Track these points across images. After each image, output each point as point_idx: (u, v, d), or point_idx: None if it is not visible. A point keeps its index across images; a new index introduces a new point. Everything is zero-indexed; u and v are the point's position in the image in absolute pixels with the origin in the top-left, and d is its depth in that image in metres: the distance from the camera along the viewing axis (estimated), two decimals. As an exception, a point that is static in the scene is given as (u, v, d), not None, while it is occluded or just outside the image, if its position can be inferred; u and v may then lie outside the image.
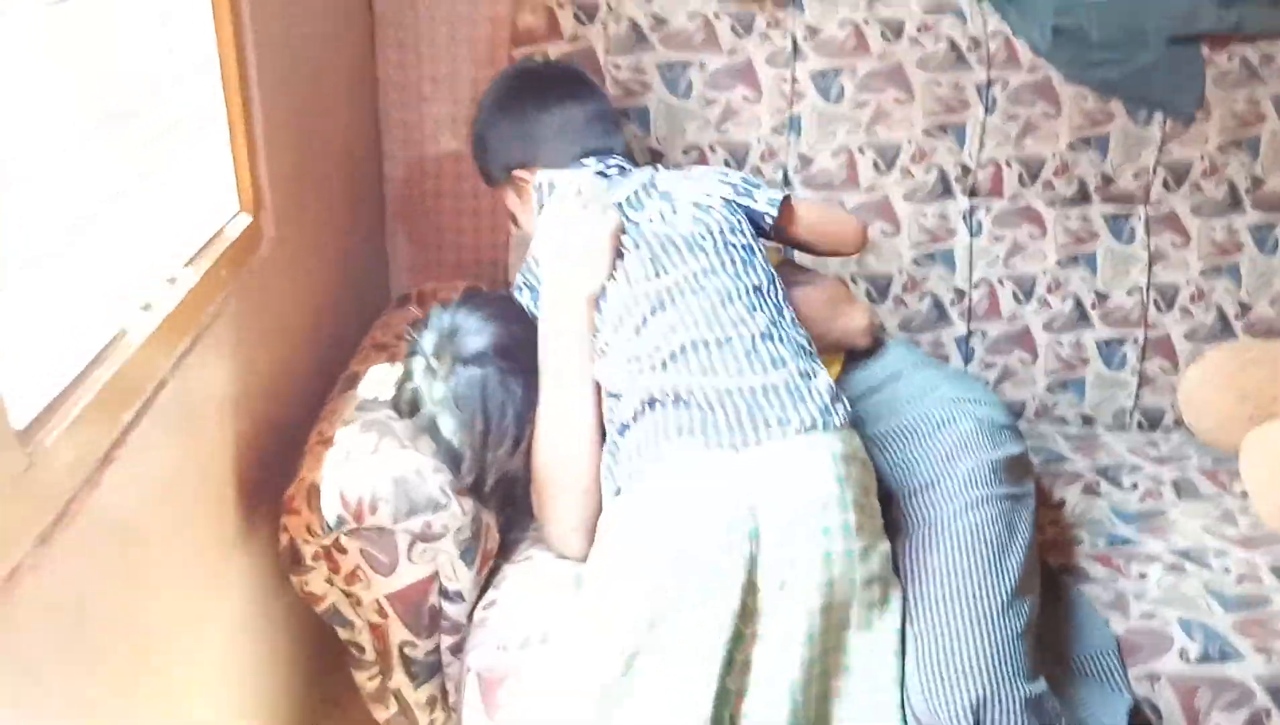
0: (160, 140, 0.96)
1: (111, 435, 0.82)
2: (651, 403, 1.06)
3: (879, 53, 1.61)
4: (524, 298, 1.24)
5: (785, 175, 1.65)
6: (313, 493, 1.08)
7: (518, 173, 1.34)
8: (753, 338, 1.08)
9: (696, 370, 1.05)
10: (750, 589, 0.95)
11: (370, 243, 1.67)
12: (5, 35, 0.70)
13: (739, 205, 1.23)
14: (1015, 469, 1.15)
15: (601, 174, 1.27)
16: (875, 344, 1.33)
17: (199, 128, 1.05)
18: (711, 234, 1.17)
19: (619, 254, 1.16)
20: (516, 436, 1.15)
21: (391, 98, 1.74)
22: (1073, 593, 1.26)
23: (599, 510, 1.10)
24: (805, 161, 1.64)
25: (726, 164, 1.63)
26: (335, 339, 1.45)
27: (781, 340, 1.09)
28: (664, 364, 1.07)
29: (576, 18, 1.56)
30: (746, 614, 0.95)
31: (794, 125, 1.63)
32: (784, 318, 1.13)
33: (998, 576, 1.04)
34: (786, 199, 1.27)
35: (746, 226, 1.21)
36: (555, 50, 1.56)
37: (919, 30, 1.62)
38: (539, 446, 1.15)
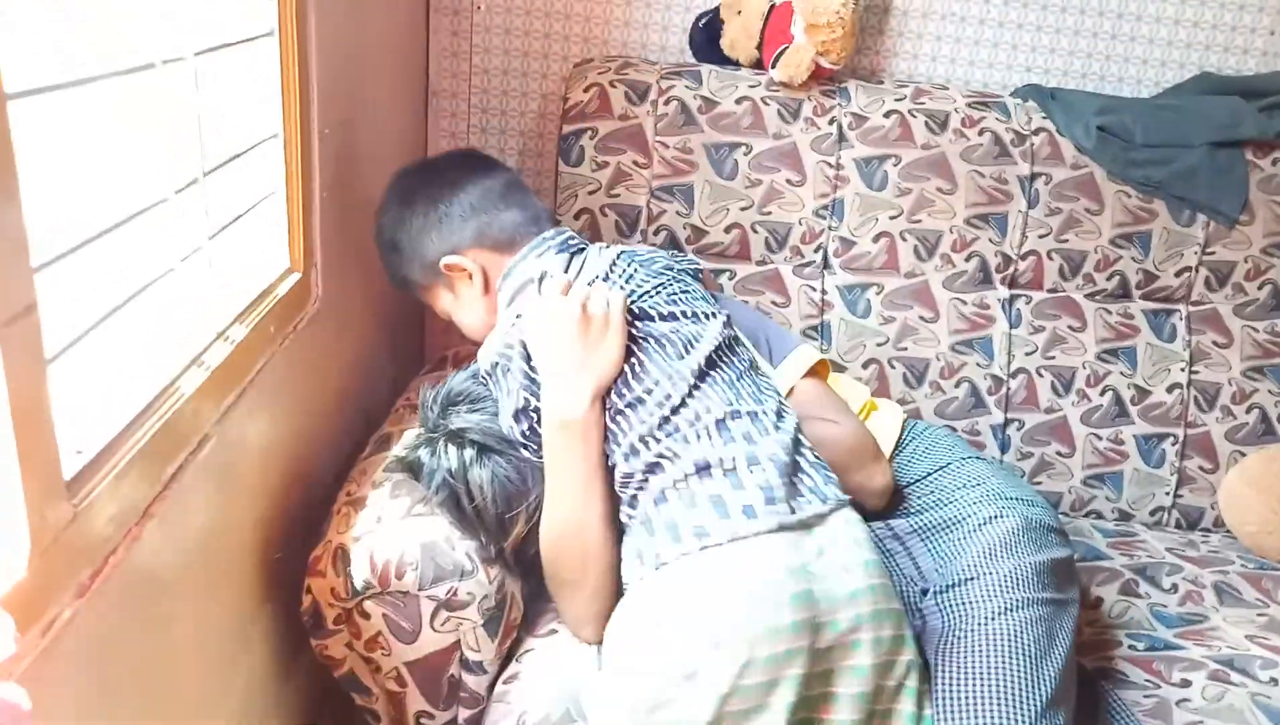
0: (228, 200, 0.98)
1: (154, 489, 0.82)
2: (694, 472, 1.02)
3: (923, 142, 1.63)
4: (506, 382, 1.12)
5: (826, 257, 1.66)
6: (339, 555, 1.07)
7: (448, 261, 1.22)
8: (776, 412, 1.07)
9: (738, 439, 1.03)
10: (807, 682, 0.93)
11: (408, 303, 1.69)
12: (85, 104, 0.72)
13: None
14: (1060, 573, 1.12)
15: (567, 247, 1.20)
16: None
17: (260, 189, 1.08)
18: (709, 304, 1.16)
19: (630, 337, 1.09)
20: (499, 515, 1.09)
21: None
22: (1111, 698, 1.21)
23: (614, 600, 1.07)
24: (847, 244, 1.65)
25: (767, 245, 1.65)
26: (371, 398, 1.47)
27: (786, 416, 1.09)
28: (701, 435, 1.03)
29: (628, 97, 1.60)
30: (800, 704, 0.93)
31: (836, 209, 1.64)
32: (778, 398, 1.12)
33: (1034, 685, 1.01)
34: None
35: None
36: (605, 127, 1.59)
37: (963, 124, 1.64)
38: (548, 541, 1.09)
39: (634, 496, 1.05)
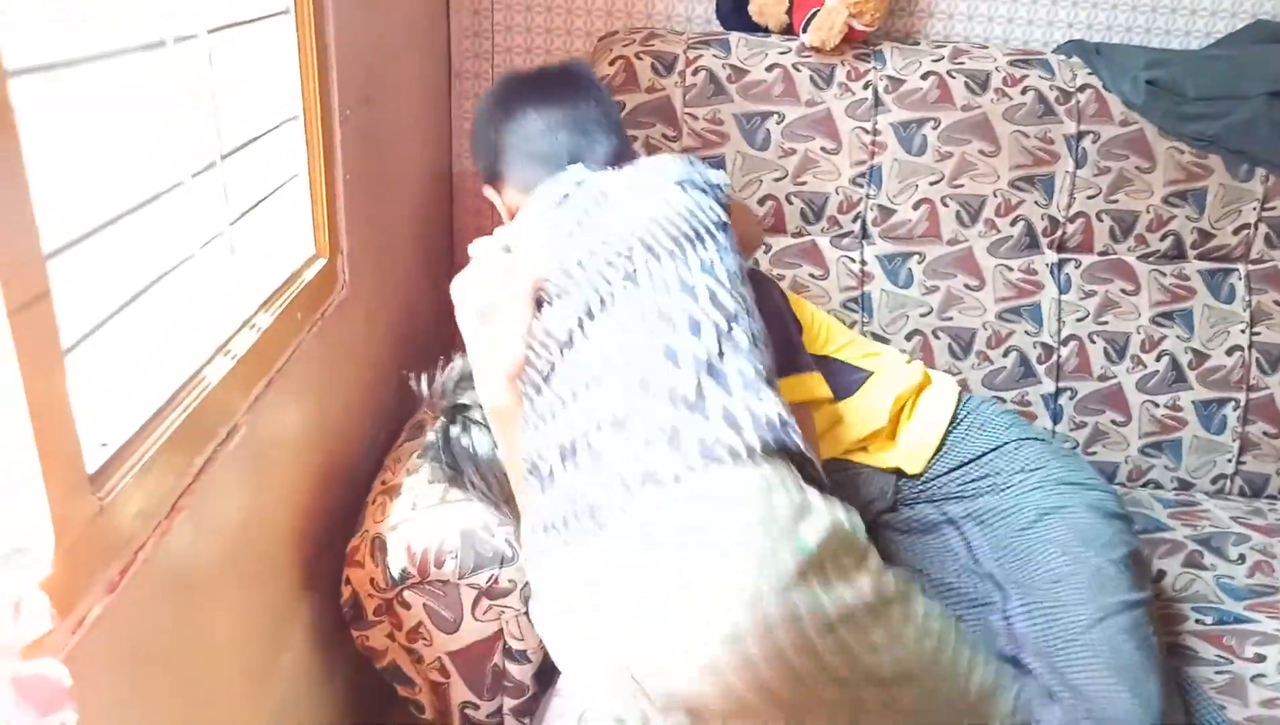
0: (249, 182, 0.96)
1: (183, 481, 0.80)
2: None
3: (963, 104, 1.57)
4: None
5: (864, 226, 1.61)
6: (377, 545, 1.05)
7: (486, 191, 1.22)
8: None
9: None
10: None
11: (439, 291, 1.66)
12: (104, 83, 0.70)
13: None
14: (1137, 567, 1.09)
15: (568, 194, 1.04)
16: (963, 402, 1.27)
17: (283, 173, 1.05)
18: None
19: (547, 302, 0.95)
20: (500, 486, 1.05)
21: (465, 148, 1.76)
22: (1179, 676, 1.16)
23: None
24: (886, 213, 1.60)
25: (803, 216, 1.60)
26: (403, 386, 1.44)
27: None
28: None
29: (654, 69, 1.55)
30: None
31: (874, 176, 1.59)
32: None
33: (1145, 701, 0.98)
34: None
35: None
36: (633, 100, 1.55)
37: (1005, 83, 1.57)
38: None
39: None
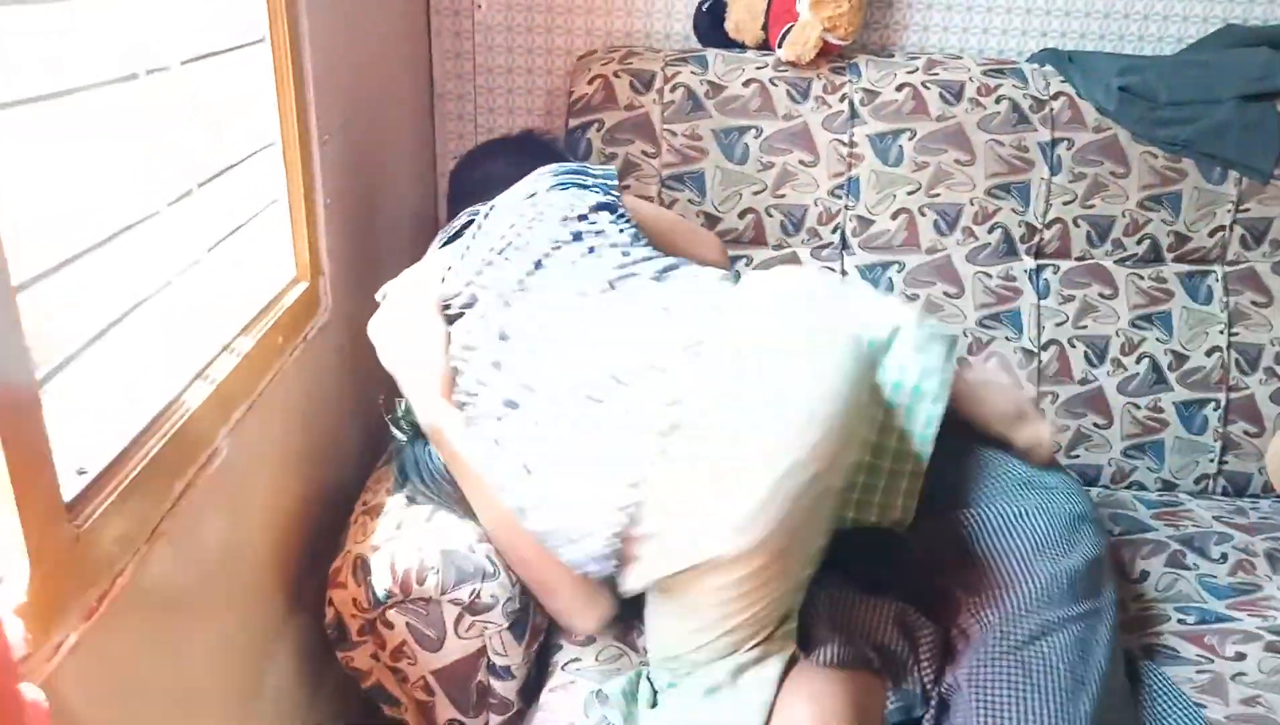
0: (228, 208, 0.97)
1: (163, 507, 0.81)
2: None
3: (938, 114, 1.59)
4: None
5: (844, 237, 1.63)
6: (359, 565, 1.06)
7: None
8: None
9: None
10: None
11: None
12: (82, 111, 0.71)
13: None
14: (1094, 575, 1.07)
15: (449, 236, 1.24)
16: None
17: (262, 198, 1.07)
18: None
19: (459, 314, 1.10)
20: (446, 490, 1.12)
21: (450, 169, 1.78)
22: (1158, 676, 1.17)
23: (584, 591, 1.05)
24: (865, 223, 1.62)
25: (783, 228, 1.61)
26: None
27: None
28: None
29: (633, 87, 1.57)
30: None
31: (852, 188, 1.60)
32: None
33: (1071, 720, 0.97)
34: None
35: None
36: (612, 118, 1.57)
37: (979, 92, 1.59)
38: (501, 550, 1.08)
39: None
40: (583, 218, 1.13)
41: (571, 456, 0.94)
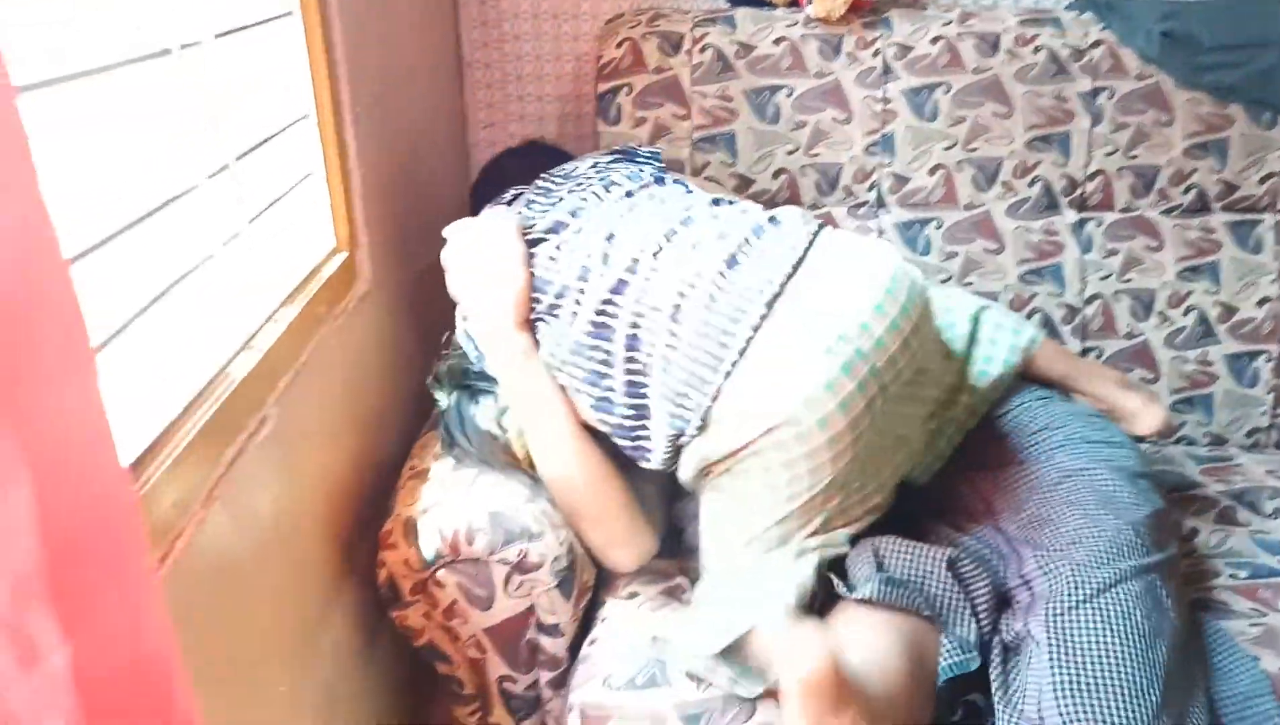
0: (265, 181, 0.98)
1: (216, 472, 0.83)
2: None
3: (974, 67, 1.56)
4: (471, 350, 1.19)
5: (880, 195, 1.61)
6: (409, 527, 1.08)
7: None
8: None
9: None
10: None
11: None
12: (125, 85, 0.73)
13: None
14: (1160, 527, 1.08)
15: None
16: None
17: (299, 170, 1.08)
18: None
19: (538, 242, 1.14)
20: (477, 442, 1.16)
21: (481, 138, 1.78)
22: (1212, 628, 1.16)
23: (631, 523, 1.12)
24: (901, 181, 1.60)
25: (818, 188, 1.60)
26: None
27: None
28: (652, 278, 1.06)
29: (661, 49, 1.56)
30: None
31: (887, 145, 1.58)
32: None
33: (1150, 667, 0.97)
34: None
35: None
36: (641, 82, 1.56)
37: (1016, 43, 1.56)
38: (546, 483, 1.13)
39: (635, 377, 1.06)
40: (645, 186, 1.22)
41: (683, 327, 1.03)
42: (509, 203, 1.26)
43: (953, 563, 1.05)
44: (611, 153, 1.33)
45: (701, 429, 1.01)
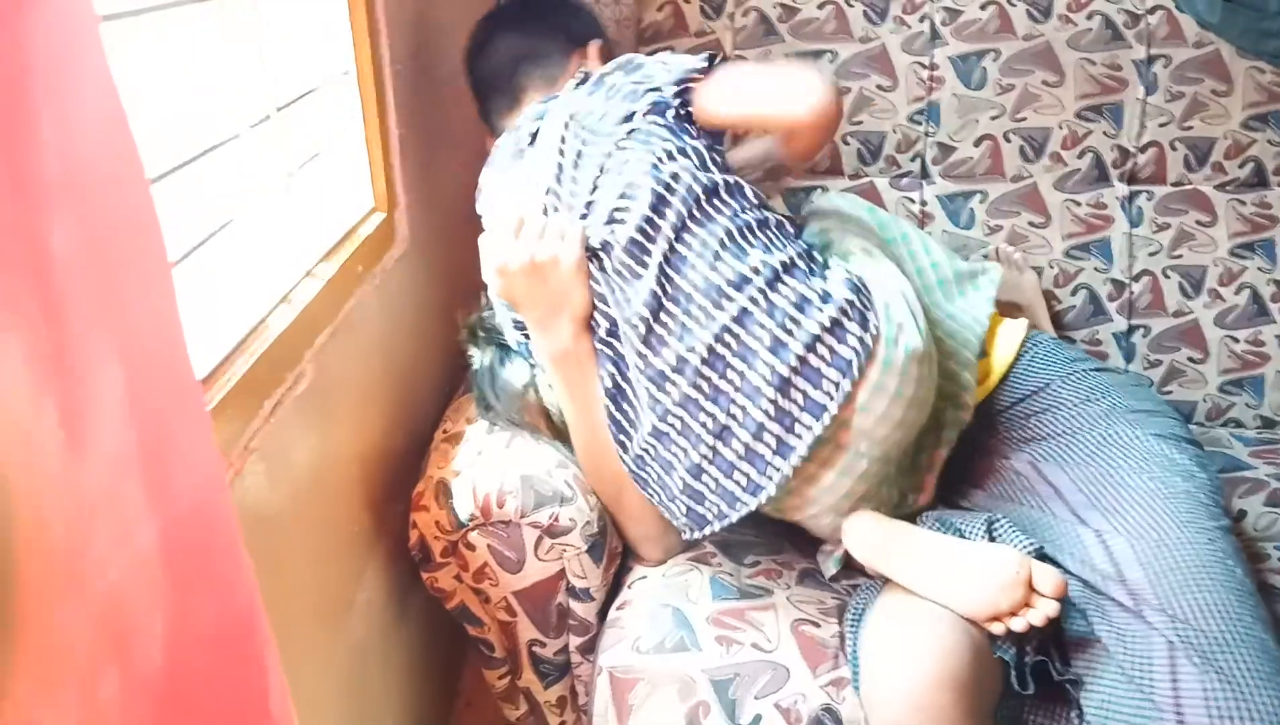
0: (303, 139, 0.98)
1: (254, 424, 0.83)
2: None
3: (1025, 33, 1.51)
4: (508, 331, 1.17)
5: (924, 165, 1.57)
6: (440, 489, 1.08)
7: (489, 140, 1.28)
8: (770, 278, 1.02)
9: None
10: None
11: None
12: (163, 34, 0.72)
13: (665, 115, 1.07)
14: (1220, 495, 1.06)
15: (519, 152, 1.15)
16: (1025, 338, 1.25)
17: (339, 128, 1.08)
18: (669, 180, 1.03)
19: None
20: (507, 403, 1.16)
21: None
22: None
23: (663, 523, 1.12)
24: (945, 151, 1.56)
25: (860, 157, 1.57)
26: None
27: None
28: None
29: (703, 12, 1.54)
30: None
31: (932, 113, 1.55)
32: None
33: (1264, 623, 0.94)
34: (691, 83, 1.08)
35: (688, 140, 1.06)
36: (683, 45, 1.53)
37: (1069, 8, 1.51)
38: (586, 475, 1.13)
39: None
40: (699, 208, 1.04)
41: (726, 450, 1.02)
42: (526, 148, 1.13)
43: (991, 526, 1.03)
44: (646, 92, 1.08)
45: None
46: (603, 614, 1.13)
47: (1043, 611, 0.91)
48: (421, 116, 1.28)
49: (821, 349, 0.97)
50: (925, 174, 1.58)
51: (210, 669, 0.51)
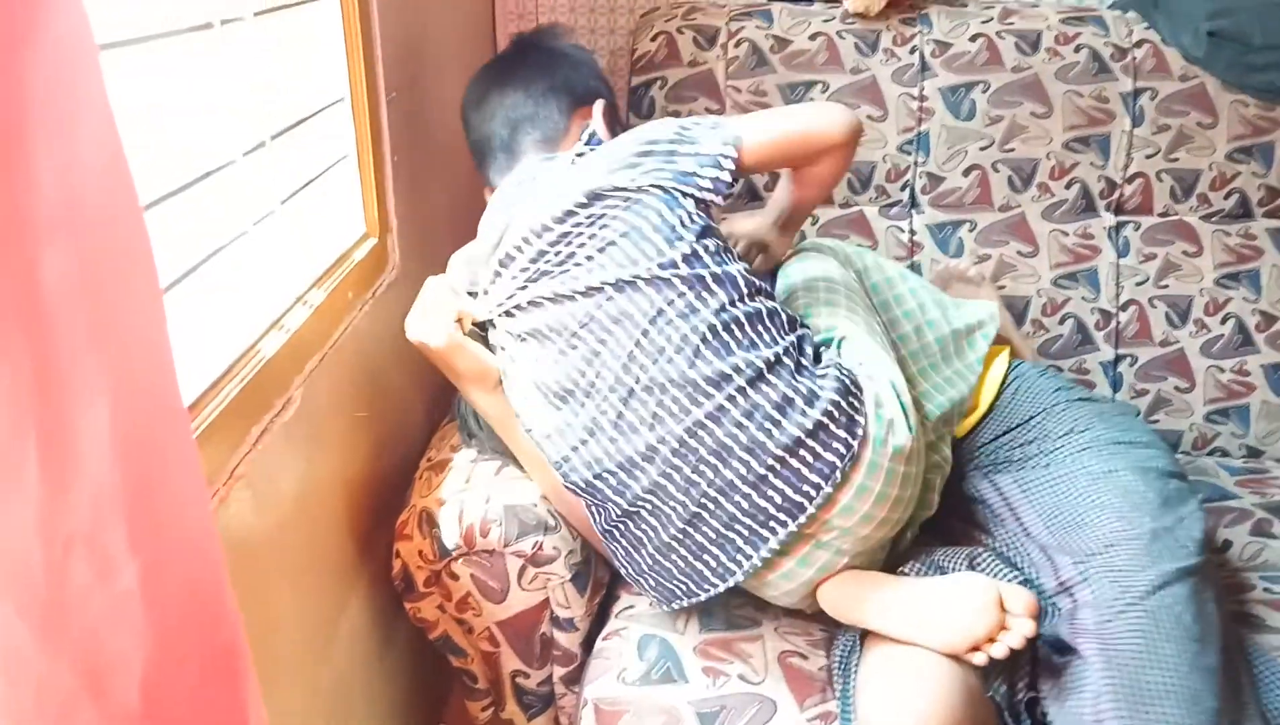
0: (300, 162, 0.98)
1: (241, 450, 0.83)
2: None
3: (1013, 65, 1.53)
4: None
5: (913, 195, 1.59)
6: (424, 518, 1.07)
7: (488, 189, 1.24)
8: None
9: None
10: None
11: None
12: (158, 62, 0.73)
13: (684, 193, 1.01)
14: (1195, 533, 1.05)
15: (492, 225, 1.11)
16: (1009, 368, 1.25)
17: (332, 154, 1.08)
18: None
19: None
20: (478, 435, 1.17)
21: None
22: (1247, 643, 1.13)
23: None
24: (934, 180, 1.57)
25: (850, 186, 1.58)
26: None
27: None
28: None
29: (696, 43, 1.55)
30: None
31: (922, 143, 1.56)
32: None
33: (1205, 670, 0.95)
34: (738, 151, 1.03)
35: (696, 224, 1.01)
36: (675, 75, 1.55)
37: (1057, 41, 1.53)
38: (551, 500, 1.12)
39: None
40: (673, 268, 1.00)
41: (697, 535, 1.01)
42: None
43: (972, 560, 1.03)
44: (644, 157, 1.03)
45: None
46: (588, 644, 1.12)
47: (1019, 632, 0.91)
48: (414, 143, 1.28)
49: (804, 453, 0.95)
50: (914, 203, 1.59)
51: (189, 707, 0.51)
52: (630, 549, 1.03)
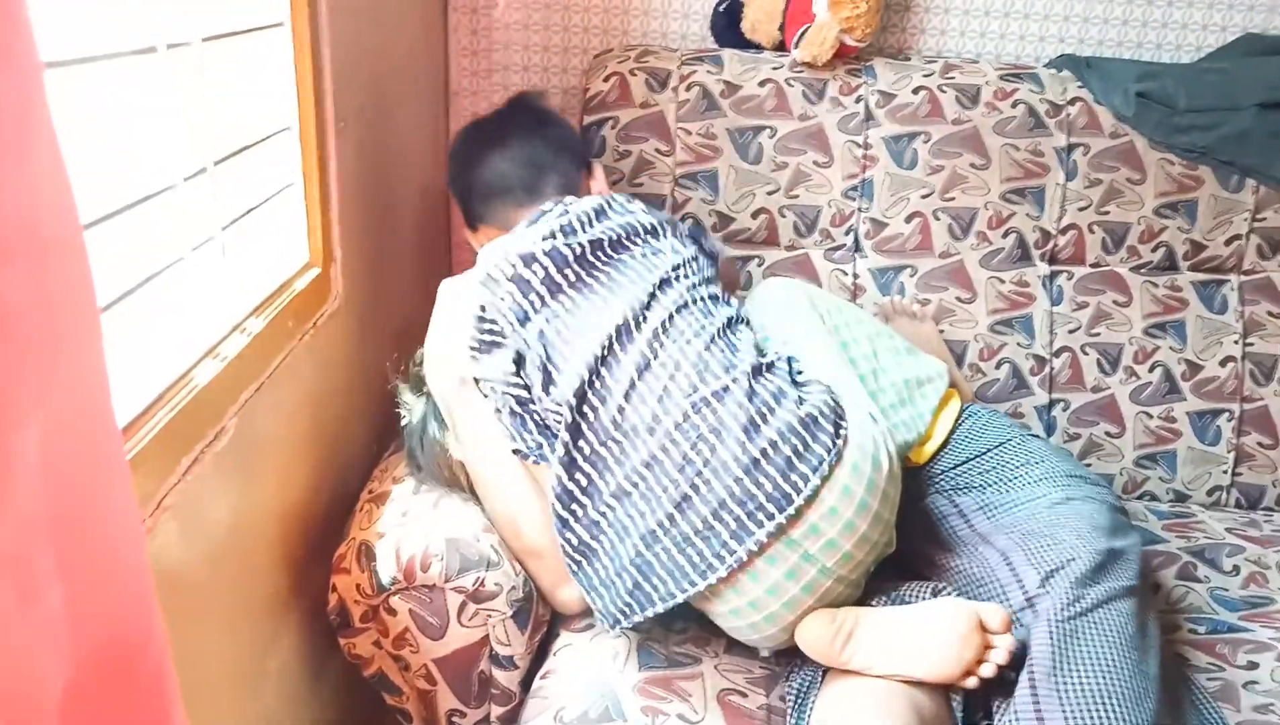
0: (243, 190, 0.97)
1: (169, 480, 0.81)
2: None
3: (954, 118, 1.58)
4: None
5: (857, 239, 1.62)
6: (363, 551, 1.05)
7: (467, 231, 1.37)
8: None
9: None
10: None
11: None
12: (103, 85, 0.72)
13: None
14: (1140, 560, 1.12)
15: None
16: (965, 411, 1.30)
17: (279, 181, 1.07)
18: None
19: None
20: (430, 455, 1.18)
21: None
22: (1180, 680, 1.16)
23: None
24: (878, 226, 1.61)
25: (796, 229, 1.61)
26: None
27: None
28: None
29: (648, 85, 1.57)
30: None
31: (866, 190, 1.60)
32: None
33: (1143, 680, 1.00)
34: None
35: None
36: (626, 116, 1.57)
37: (995, 96, 1.59)
38: (491, 517, 1.14)
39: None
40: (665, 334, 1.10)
41: (665, 541, 1.03)
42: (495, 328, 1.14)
43: (935, 593, 1.06)
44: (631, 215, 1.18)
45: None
46: (526, 683, 1.10)
47: (1004, 648, 0.97)
48: (363, 175, 1.28)
49: (794, 440, 0.98)
50: (858, 247, 1.63)
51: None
52: (615, 541, 1.02)
